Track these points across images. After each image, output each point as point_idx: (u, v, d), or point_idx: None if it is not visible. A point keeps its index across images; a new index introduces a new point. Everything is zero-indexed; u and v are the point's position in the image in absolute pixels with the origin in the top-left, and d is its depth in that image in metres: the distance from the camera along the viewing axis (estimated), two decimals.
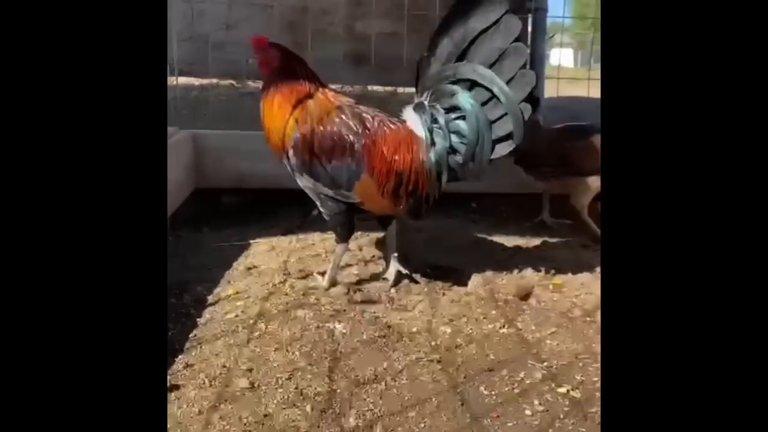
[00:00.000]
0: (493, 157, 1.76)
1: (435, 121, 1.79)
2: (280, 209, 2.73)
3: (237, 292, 1.89)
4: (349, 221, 1.89)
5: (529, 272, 2.09)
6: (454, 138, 1.77)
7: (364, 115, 1.84)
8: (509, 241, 2.38)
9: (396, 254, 2.03)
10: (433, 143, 1.79)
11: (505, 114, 1.71)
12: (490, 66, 1.70)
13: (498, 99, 1.70)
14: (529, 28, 3.31)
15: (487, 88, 1.71)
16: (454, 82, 1.75)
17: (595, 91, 3.83)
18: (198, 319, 1.71)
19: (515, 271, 2.09)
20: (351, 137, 1.80)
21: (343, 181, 1.81)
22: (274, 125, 1.86)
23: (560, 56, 7.71)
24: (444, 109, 1.78)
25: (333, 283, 1.93)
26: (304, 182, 1.89)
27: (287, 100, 1.84)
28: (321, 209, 1.91)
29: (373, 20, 3.18)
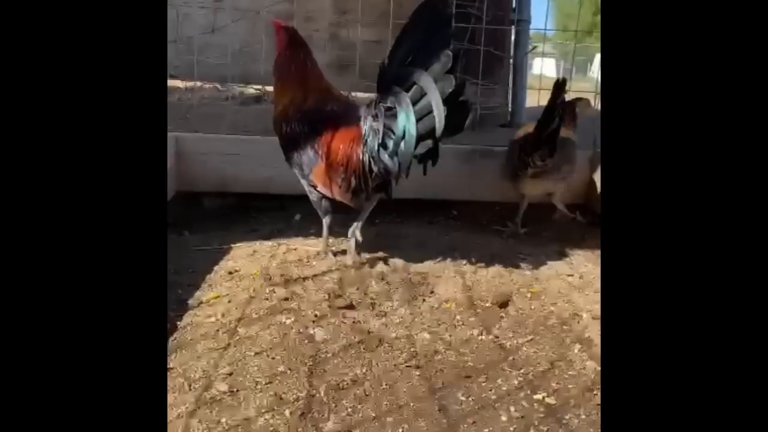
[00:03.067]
0: (417, 152, 1.89)
1: (375, 118, 1.96)
2: (262, 213, 2.74)
3: (218, 296, 1.89)
4: (322, 201, 2.19)
5: (507, 280, 2.13)
6: (387, 134, 1.93)
7: (330, 111, 2.11)
8: (488, 248, 2.41)
9: (358, 224, 2.24)
10: (368, 139, 1.97)
11: (430, 112, 1.85)
12: (425, 69, 1.84)
13: (424, 96, 1.84)
14: (512, 39, 3.35)
15: (419, 87, 1.86)
16: (396, 84, 1.89)
17: None
18: (178, 323, 1.71)
19: (494, 279, 2.13)
20: (315, 131, 2.08)
21: (306, 166, 2.10)
22: (275, 110, 2.18)
23: (542, 66, 7.81)
24: (384, 107, 1.93)
25: (326, 252, 2.26)
26: (288, 164, 2.20)
27: (282, 88, 2.17)
28: (307, 190, 2.20)
29: (358, 28, 3.22)
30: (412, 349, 1.63)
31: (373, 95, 2.01)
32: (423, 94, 1.85)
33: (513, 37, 3.34)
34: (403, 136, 1.88)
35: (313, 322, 1.74)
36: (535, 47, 3.72)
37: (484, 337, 1.73)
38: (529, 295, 2.02)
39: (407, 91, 1.88)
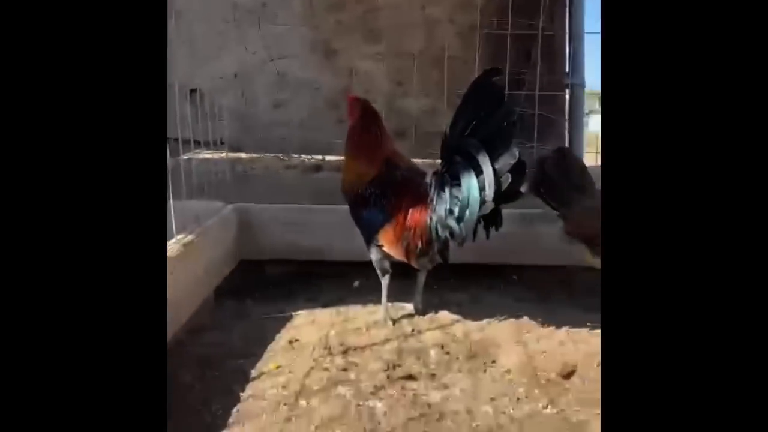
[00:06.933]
0: (479, 214, 1.95)
1: (442, 186, 2.04)
2: (322, 280, 2.78)
3: (278, 367, 1.91)
4: (383, 261, 2.28)
5: (572, 349, 2.06)
6: (454, 201, 2.00)
7: (399, 177, 2.24)
8: (552, 315, 2.35)
9: (418, 296, 2.38)
10: (436, 205, 2.05)
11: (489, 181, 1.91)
12: (487, 142, 1.91)
13: (482, 169, 1.91)
14: (567, 104, 3.37)
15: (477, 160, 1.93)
16: (459, 153, 1.98)
17: None
18: (241, 394, 1.73)
19: (558, 348, 2.06)
20: (385, 195, 2.21)
21: (374, 227, 2.21)
22: (345, 175, 2.35)
23: (597, 124, 7.74)
24: (450, 175, 2.02)
25: (386, 318, 2.30)
26: (356, 224, 2.31)
27: (355, 154, 2.33)
28: (368, 249, 2.29)
29: (414, 98, 3.31)
30: (474, 424, 1.59)
31: (427, 160, 2.06)
32: (481, 165, 1.92)
33: (568, 101, 3.35)
34: (468, 204, 1.96)
35: (372, 394, 1.73)
36: (591, 112, 3.72)
37: (549, 410, 1.67)
38: (595, 365, 1.94)
39: (467, 160, 1.95)
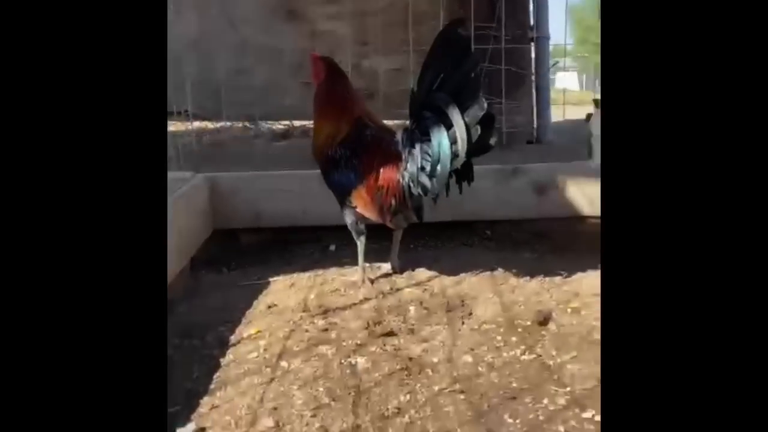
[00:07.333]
0: (451, 168, 1.96)
1: (412, 143, 2.03)
2: (298, 246, 2.77)
3: (259, 331, 1.91)
4: (358, 222, 2.26)
5: (546, 297, 2.10)
6: (425, 157, 1.99)
7: (369, 137, 2.20)
8: (524, 267, 2.39)
9: (394, 255, 2.40)
10: (407, 163, 2.04)
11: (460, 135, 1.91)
12: (455, 94, 1.91)
13: (452, 123, 1.91)
14: (533, 56, 3.36)
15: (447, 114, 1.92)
16: (428, 109, 1.98)
17: None
18: (221, 360, 1.74)
19: (533, 297, 2.10)
20: (356, 155, 2.18)
21: (347, 189, 2.19)
22: (315, 139, 2.30)
23: (565, 80, 7.78)
24: (420, 131, 2.01)
25: (364, 278, 2.29)
26: (328, 187, 2.29)
27: (323, 116, 2.28)
28: (343, 212, 2.27)
29: (380, 58, 3.27)
30: (455, 374, 1.62)
31: (397, 121, 2.05)
32: (451, 119, 1.91)
33: (533, 55, 3.35)
34: (439, 159, 1.96)
35: (354, 351, 1.75)
36: (556, 62, 3.73)
37: (526, 356, 1.71)
38: (569, 311, 1.99)
39: (437, 115, 1.95)
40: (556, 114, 4.02)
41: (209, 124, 3.83)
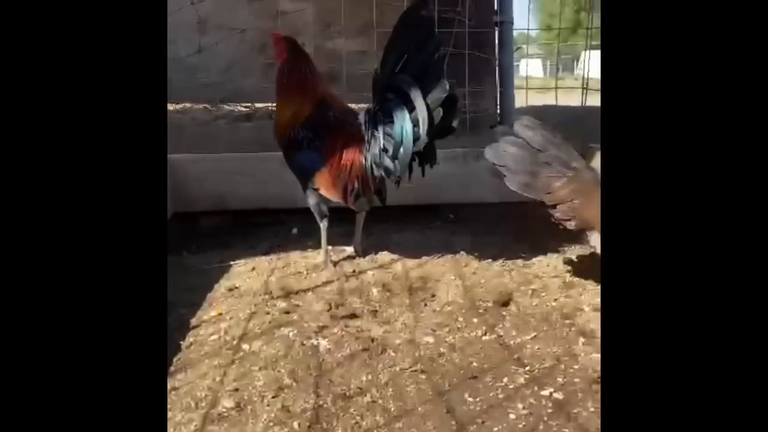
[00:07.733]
0: (413, 150, 1.96)
1: (375, 125, 2.03)
2: (259, 229, 2.74)
3: (220, 314, 1.89)
4: (321, 205, 2.23)
5: (507, 279, 2.14)
6: (387, 139, 2.00)
7: (332, 118, 2.18)
8: (486, 250, 2.41)
9: (357, 238, 2.39)
10: (370, 145, 2.05)
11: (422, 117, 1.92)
12: (418, 76, 1.91)
13: (415, 105, 1.92)
14: (496, 41, 3.38)
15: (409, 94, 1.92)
16: (391, 91, 1.97)
17: (563, 100, 3.92)
18: (181, 343, 1.71)
19: (494, 279, 2.13)
20: (319, 136, 2.16)
21: (309, 171, 2.16)
22: (277, 120, 2.27)
23: (528, 67, 7.84)
24: (383, 113, 2.01)
25: (326, 261, 2.27)
26: (290, 169, 2.26)
27: (285, 97, 2.24)
28: (305, 194, 2.24)
29: (343, 39, 3.24)
30: (416, 354, 1.64)
31: (361, 105, 2.04)
32: (413, 101, 1.91)
33: (497, 39, 3.36)
34: (402, 141, 1.96)
35: (316, 333, 1.74)
36: (519, 48, 3.74)
37: (487, 337, 1.73)
38: (530, 292, 2.03)
39: (400, 97, 1.94)
40: (520, 100, 4.05)
41: (169, 106, 3.74)
